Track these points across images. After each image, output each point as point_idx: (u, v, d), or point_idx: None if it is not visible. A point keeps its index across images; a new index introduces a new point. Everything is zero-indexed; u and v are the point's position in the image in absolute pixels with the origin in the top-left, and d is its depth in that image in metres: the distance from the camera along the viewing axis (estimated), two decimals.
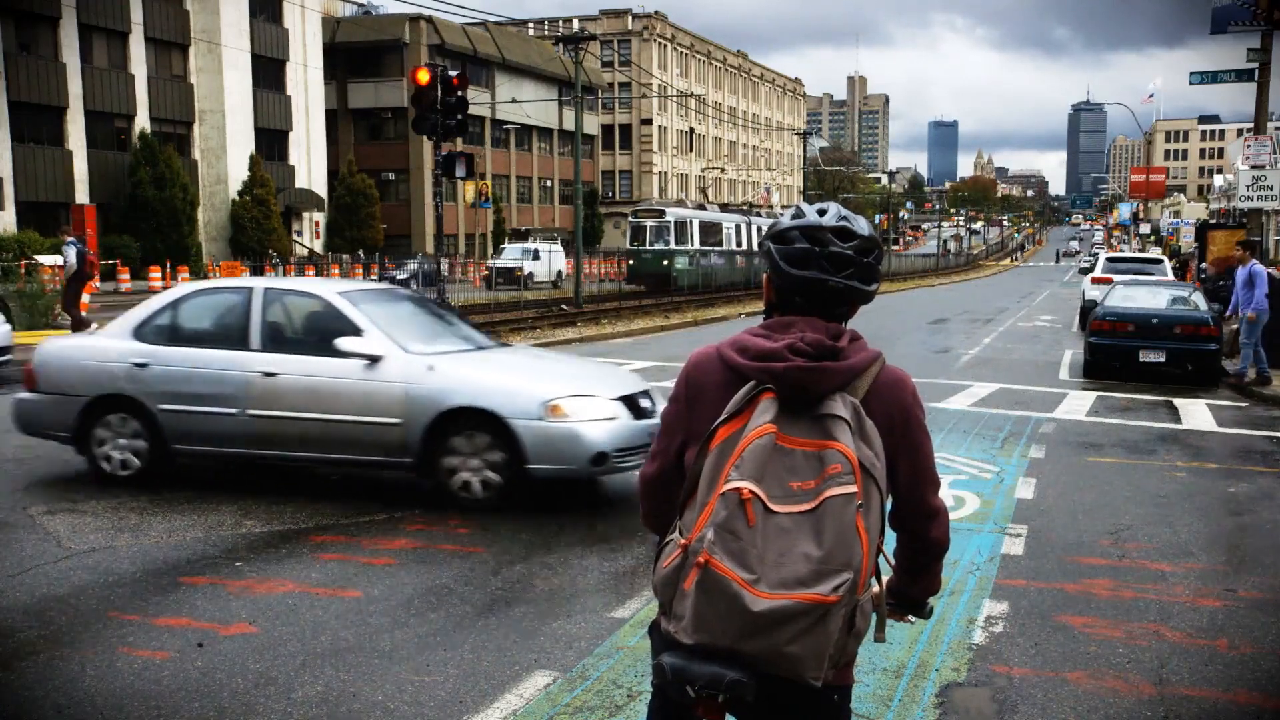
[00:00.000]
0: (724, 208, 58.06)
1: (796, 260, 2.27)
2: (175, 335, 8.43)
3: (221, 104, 50.40)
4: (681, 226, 44.66)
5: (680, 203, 52.48)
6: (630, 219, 46.73)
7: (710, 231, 47.53)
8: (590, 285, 41.31)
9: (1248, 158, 20.79)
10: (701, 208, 49.97)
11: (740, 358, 2.25)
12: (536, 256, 48.84)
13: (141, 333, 8.36)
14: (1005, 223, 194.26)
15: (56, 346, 8.89)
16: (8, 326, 14.97)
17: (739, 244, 51.02)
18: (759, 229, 52.11)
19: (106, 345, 8.46)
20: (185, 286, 8.91)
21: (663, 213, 45.37)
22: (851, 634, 2.14)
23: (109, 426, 8.23)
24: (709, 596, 2.07)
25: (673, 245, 44.04)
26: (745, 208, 68.50)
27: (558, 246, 53.57)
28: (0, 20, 41.02)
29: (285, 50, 54.36)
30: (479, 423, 7.55)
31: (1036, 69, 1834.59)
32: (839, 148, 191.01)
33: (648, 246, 44.44)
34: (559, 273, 49.62)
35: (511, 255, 49.16)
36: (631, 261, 45.29)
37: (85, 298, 23.48)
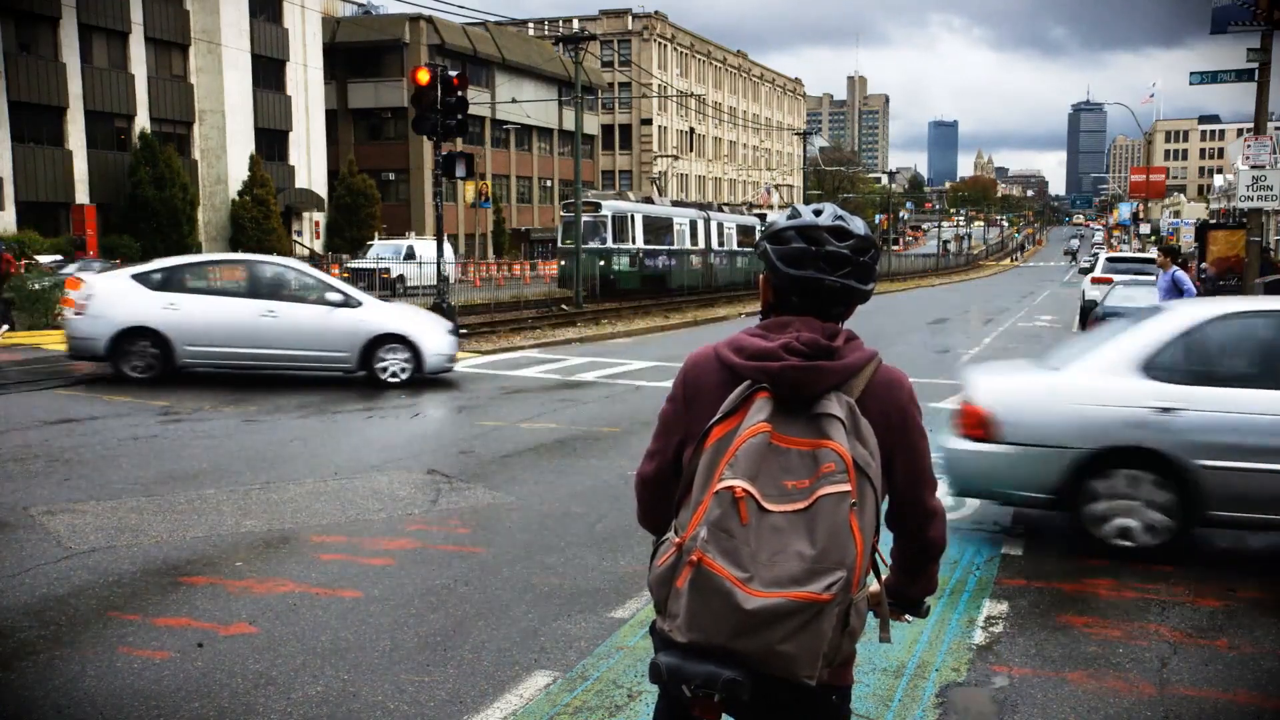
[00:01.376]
0: (678, 203, 50.95)
1: (793, 260, 2.28)
2: (1206, 373, 6.84)
3: (221, 104, 50.39)
4: (621, 222, 38.73)
5: (621, 195, 45.34)
6: (560, 214, 39.79)
7: (657, 228, 41.30)
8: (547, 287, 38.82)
9: (1248, 158, 20.77)
10: (648, 201, 43.92)
11: (736, 357, 2.25)
12: (411, 256, 40.11)
13: (1154, 369, 6.75)
14: (1004, 223, 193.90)
15: (1025, 387, 7.35)
16: (455, 337, 15.40)
17: (694, 242, 44.68)
18: (720, 226, 47.19)
19: (1107, 386, 6.82)
20: (1199, 311, 7.21)
21: (598, 205, 38.94)
22: (846, 633, 2.13)
23: (1112, 487, 6.70)
24: (702, 595, 2.08)
25: (610, 244, 37.99)
26: (705, 203, 61.46)
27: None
28: (0, 20, 41.02)
29: (285, 50, 54.35)
30: None
31: (1034, 69, 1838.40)
32: (839, 148, 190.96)
33: (582, 245, 38.76)
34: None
35: (379, 254, 40.72)
36: (562, 262, 38.30)
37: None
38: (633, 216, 39.56)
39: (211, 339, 13.74)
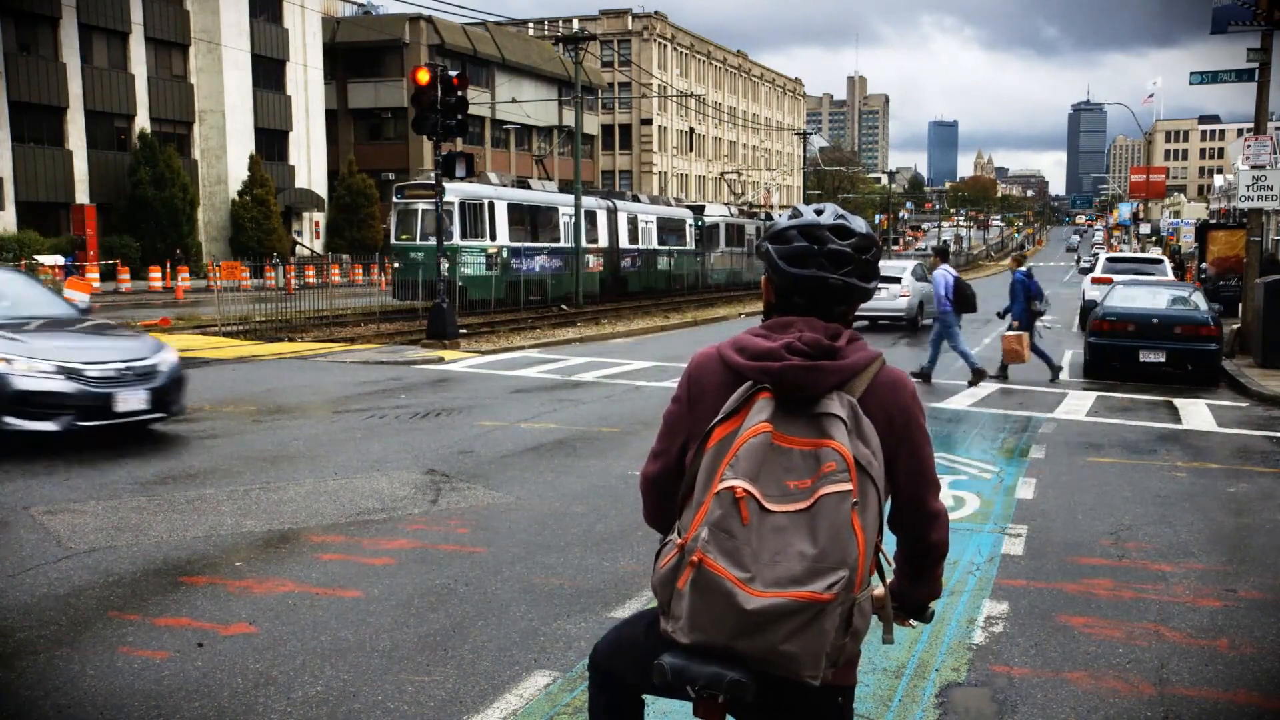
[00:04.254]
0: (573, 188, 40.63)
1: (795, 259, 2.28)
2: None
3: (221, 104, 50.41)
4: (473, 211, 29.94)
5: (480, 178, 33.90)
6: (394, 199, 30.93)
7: (533, 220, 32.51)
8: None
9: (1248, 158, 20.77)
10: (523, 185, 34.51)
11: (739, 357, 2.26)
12: None
13: None
14: (999, 223, 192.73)
15: None
16: None
17: (593, 239, 36.11)
18: (634, 219, 38.70)
19: None
20: None
21: (441, 190, 31.94)
22: (849, 633, 2.13)
23: None
24: (703, 595, 2.08)
25: (458, 240, 28.96)
26: (615, 191, 49.54)
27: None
28: (0, 20, 41.02)
29: (285, 50, 54.37)
30: None
31: (1028, 69, 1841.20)
32: (839, 148, 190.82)
33: (419, 241, 29.35)
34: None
35: None
36: (396, 265, 29.93)
37: (82, 297, 23.46)
38: (491, 204, 30.60)
39: None
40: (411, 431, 10.98)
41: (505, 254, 31.17)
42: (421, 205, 29.42)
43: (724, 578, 2.06)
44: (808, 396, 2.17)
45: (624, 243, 38.22)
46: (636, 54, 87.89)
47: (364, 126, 65.00)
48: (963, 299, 15.83)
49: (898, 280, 27.33)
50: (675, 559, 2.16)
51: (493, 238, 30.58)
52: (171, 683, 4.62)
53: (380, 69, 62.88)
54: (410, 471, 8.94)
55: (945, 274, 16.13)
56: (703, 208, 48.97)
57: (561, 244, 34.27)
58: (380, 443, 10.26)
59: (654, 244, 41.01)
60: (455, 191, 28.99)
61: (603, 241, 36.91)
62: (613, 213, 37.77)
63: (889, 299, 26.43)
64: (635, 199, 43.37)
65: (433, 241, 28.03)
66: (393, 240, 30.54)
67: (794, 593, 2.04)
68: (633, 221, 39.20)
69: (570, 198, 35.64)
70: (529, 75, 71.26)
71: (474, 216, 30.22)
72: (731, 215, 50.07)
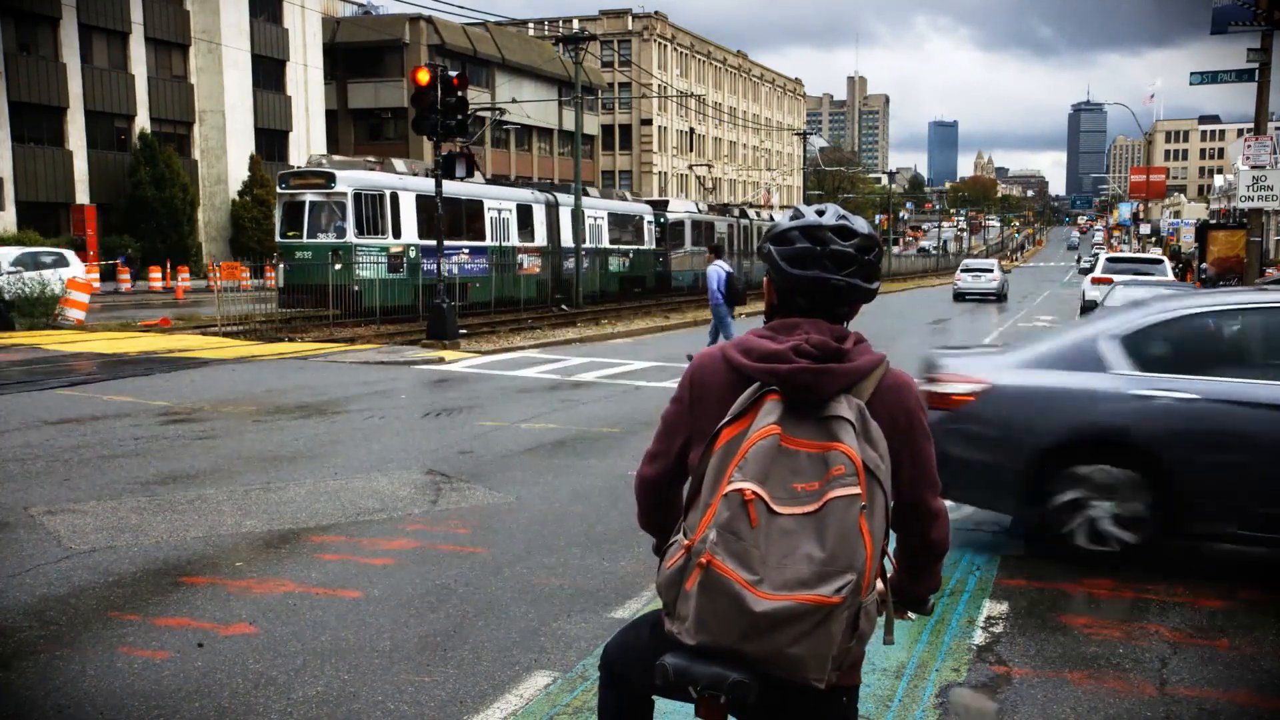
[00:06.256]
0: (501, 181, 36.33)
1: (797, 260, 2.28)
2: None
3: (221, 104, 50.41)
4: (371, 203, 25.75)
5: (384, 164, 27.98)
6: (279, 188, 26.75)
7: (446, 214, 26.29)
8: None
9: (1248, 158, 20.79)
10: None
11: (745, 359, 2.25)
12: None
13: None
14: (994, 223, 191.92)
15: None
16: None
17: (527, 237, 31.93)
18: (578, 215, 34.56)
19: None
20: None
21: (330, 178, 25.41)
22: (855, 636, 2.13)
23: None
24: (711, 597, 2.08)
25: (352, 237, 25.17)
26: (552, 183, 42.47)
27: None
28: (0, 20, 41.03)
29: (285, 50, 54.37)
30: None
31: (1023, 69, 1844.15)
32: (839, 148, 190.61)
33: (307, 238, 25.49)
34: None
35: None
36: (282, 265, 25.71)
37: (83, 297, 23.50)
38: (394, 196, 26.20)
39: None
40: (411, 432, 10.98)
41: (413, 254, 26.86)
42: (310, 197, 25.48)
43: (732, 580, 2.05)
44: (816, 399, 2.17)
45: (567, 241, 33.64)
46: (636, 54, 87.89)
47: (364, 127, 64.98)
48: (734, 292, 16.78)
49: (990, 271, 43.34)
50: (682, 560, 2.16)
51: (396, 235, 26.36)
52: (171, 683, 4.62)
53: (380, 69, 62.86)
54: (410, 472, 8.94)
55: (718, 269, 17.05)
56: (666, 203, 45.51)
57: (487, 242, 30.22)
58: (380, 443, 10.26)
59: (605, 242, 36.83)
60: (348, 181, 25.36)
61: (540, 239, 32.58)
62: (552, 207, 33.36)
63: (985, 282, 40.75)
64: (584, 192, 38.68)
65: (323, 239, 25.35)
66: (278, 237, 26.38)
67: (802, 596, 2.04)
68: (577, 218, 34.99)
69: (502, 190, 32.38)
70: (529, 75, 71.24)
71: (373, 210, 25.92)
72: (700, 212, 46.30)
